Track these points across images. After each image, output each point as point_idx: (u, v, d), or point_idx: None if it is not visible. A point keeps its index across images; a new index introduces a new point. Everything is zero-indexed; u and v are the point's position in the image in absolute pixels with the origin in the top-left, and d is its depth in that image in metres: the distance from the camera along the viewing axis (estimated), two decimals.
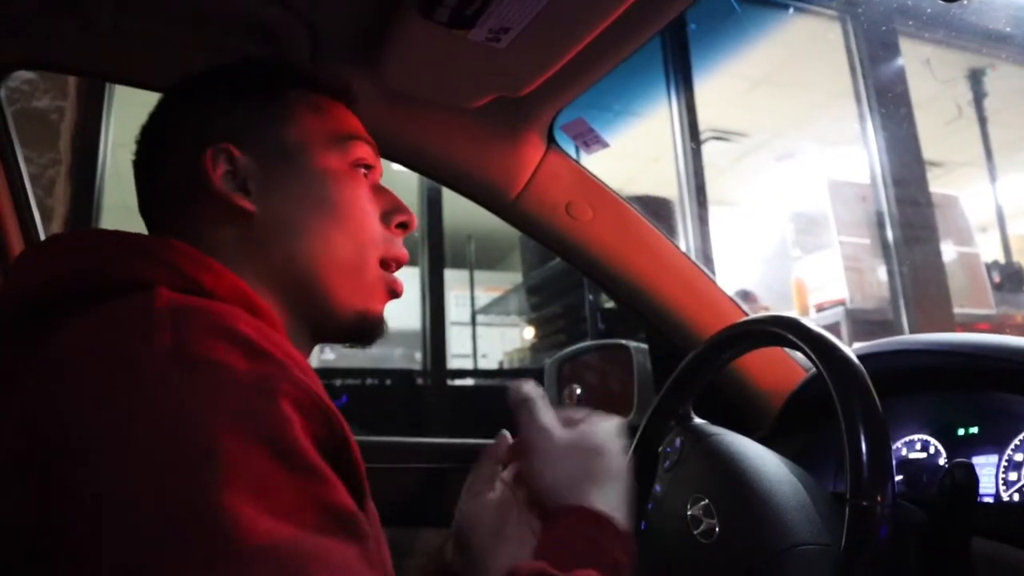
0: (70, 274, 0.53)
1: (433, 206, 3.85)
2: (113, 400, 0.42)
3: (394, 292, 0.71)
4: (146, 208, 0.68)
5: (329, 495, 0.44)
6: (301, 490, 0.42)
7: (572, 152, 1.11)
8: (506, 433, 0.74)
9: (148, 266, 0.54)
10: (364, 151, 0.71)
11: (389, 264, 0.70)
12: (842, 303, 4.12)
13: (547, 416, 0.69)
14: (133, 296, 0.49)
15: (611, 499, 0.65)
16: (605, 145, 1.05)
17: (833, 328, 3.90)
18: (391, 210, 0.71)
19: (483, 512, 0.70)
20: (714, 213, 3.86)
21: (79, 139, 2.47)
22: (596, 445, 0.67)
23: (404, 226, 0.72)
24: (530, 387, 0.70)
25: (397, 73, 0.89)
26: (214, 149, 0.64)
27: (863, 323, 3.97)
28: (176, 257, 0.55)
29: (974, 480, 0.68)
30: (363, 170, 0.70)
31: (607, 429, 0.69)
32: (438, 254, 3.85)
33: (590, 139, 1.05)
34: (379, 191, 0.72)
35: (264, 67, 0.71)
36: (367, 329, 0.69)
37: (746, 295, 4.42)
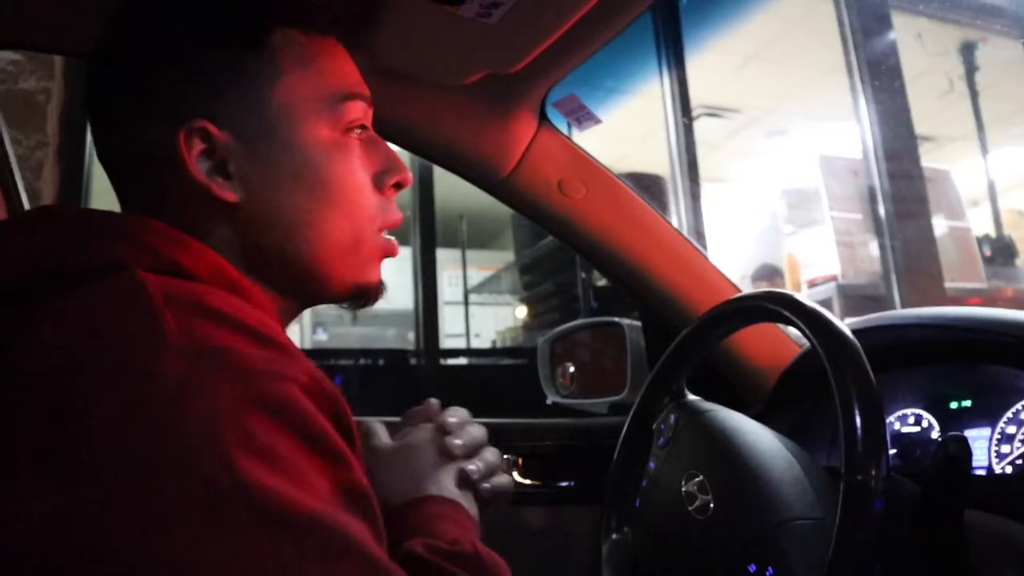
0: (35, 257, 0.49)
1: (425, 185, 3.84)
2: (135, 404, 0.41)
3: (389, 254, 0.67)
4: (120, 192, 0.61)
5: (350, 476, 0.44)
6: (326, 471, 0.43)
7: (564, 129, 1.10)
8: (433, 400, 0.76)
9: (124, 246, 0.50)
10: (358, 109, 0.62)
11: (381, 230, 0.65)
12: (834, 278, 4.14)
13: (378, 437, 0.72)
14: (111, 281, 0.47)
15: (443, 484, 0.67)
16: (597, 122, 1.05)
17: (825, 303, 3.90)
18: (384, 170, 0.64)
19: (388, 447, 0.71)
20: (706, 190, 3.86)
21: (67, 121, 2.44)
22: (410, 445, 0.70)
23: (399, 186, 0.66)
24: (369, 421, 0.73)
25: (386, 49, 0.88)
26: (188, 130, 0.55)
27: (855, 298, 3.99)
28: (150, 236, 0.52)
29: (967, 453, 0.69)
30: (357, 131, 0.63)
31: (418, 431, 0.72)
32: (430, 233, 3.84)
33: (582, 116, 1.04)
34: (370, 147, 0.64)
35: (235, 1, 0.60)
36: (366, 297, 0.66)
37: (773, 271, 4.42)
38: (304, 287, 0.62)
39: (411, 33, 0.84)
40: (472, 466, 0.69)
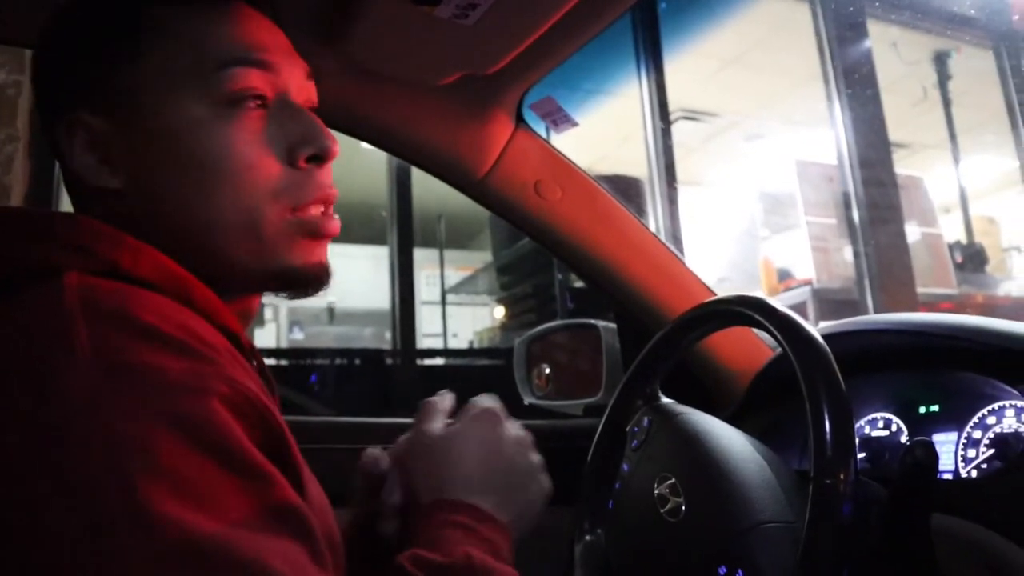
0: None
1: (402, 185, 3.83)
2: (36, 419, 0.39)
3: (320, 234, 0.59)
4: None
5: (273, 494, 0.42)
6: (243, 490, 0.40)
7: (542, 131, 1.10)
8: (447, 392, 0.72)
9: (56, 249, 0.48)
10: (246, 77, 0.56)
11: (307, 207, 0.59)
12: (809, 283, 4.17)
13: (427, 422, 0.67)
14: (41, 287, 0.45)
15: (474, 486, 0.62)
16: (574, 124, 1.05)
17: (800, 308, 3.95)
18: (295, 143, 0.58)
19: (435, 439, 0.66)
20: (684, 193, 3.88)
21: (37, 115, 2.40)
22: (456, 435, 0.65)
23: (317, 159, 0.59)
24: (434, 402, 0.69)
25: (363, 49, 0.88)
26: (68, 120, 0.55)
27: (829, 303, 4.03)
28: (88, 238, 0.49)
29: (934, 458, 0.69)
30: (252, 102, 0.57)
31: (507, 431, 0.67)
32: (407, 233, 3.83)
33: (559, 118, 1.05)
34: (282, 119, 0.58)
35: None
36: (298, 282, 0.60)
37: (787, 274, 4.44)
38: (216, 272, 0.57)
39: (387, 33, 0.84)
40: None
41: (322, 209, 0.60)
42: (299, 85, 0.62)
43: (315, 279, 0.61)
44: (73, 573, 0.36)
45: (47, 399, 0.40)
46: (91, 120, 0.55)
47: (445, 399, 0.71)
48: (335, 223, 0.61)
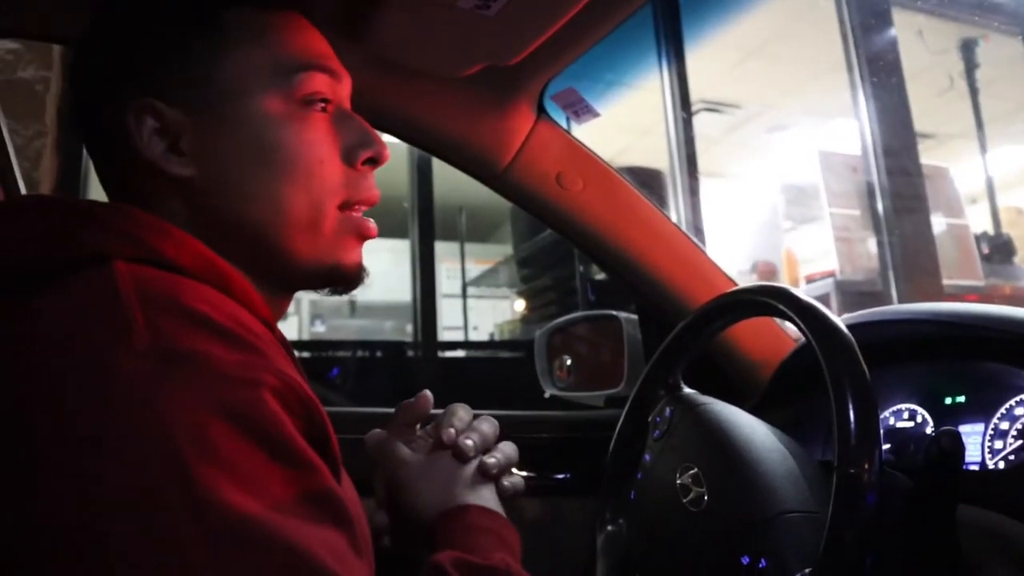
0: (17, 249, 0.49)
1: (424, 178, 3.83)
2: (94, 401, 0.40)
3: (363, 235, 0.64)
4: (99, 176, 0.62)
5: (317, 482, 0.43)
6: (292, 480, 0.42)
7: (563, 122, 1.10)
8: (427, 392, 0.75)
9: (103, 237, 0.49)
10: (318, 81, 0.61)
11: (353, 206, 0.63)
12: (832, 275, 4.14)
13: (399, 449, 0.69)
14: (92, 273, 0.46)
15: (484, 496, 0.66)
16: (596, 115, 1.05)
17: (823, 300, 3.91)
18: (355, 145, 0.63)
19: (415, 460, 0.69)
20: (706, 185, 3.86)
21: (65, 110, 2.43)
22: (437, 456, 0.68)
23: (372, 162, 0.64)
24: (375, 433, 0.72)
25: (385, 42, 0.88)
26: (136, 108, 0.56)
27: (853, 295, 3.99)
28: (131, 225, 0.51)
29: (960, 448, 0.69)
30: (319, 104, 0.62)
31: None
32: (429, 226, 3.84)
33: (581, 109, 1.04)
34: (342, 122, 0.63)
35: None
36: (342, 280, 0.64)
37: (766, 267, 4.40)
38: (269, 267, 0.60)
39: (409, 25, 0.84)
40: (491, 459, 0.68)
41: (363, 210, 0.65)
42: (347, 93, 0.66)
43: (357, 278, 0.65)
44: (128, 554, 0.37)
45: (105, 382, 0.41)
46: (163, 108, 0.57)
47: (420, 401, 0.74)
48: (374, 226, 0.65)
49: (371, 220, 0.65)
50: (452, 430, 0.69)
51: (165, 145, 0.57)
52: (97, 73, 0.59)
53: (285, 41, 0.61)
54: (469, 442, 0.68)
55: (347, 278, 0.64)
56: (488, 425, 0.71)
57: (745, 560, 0.69)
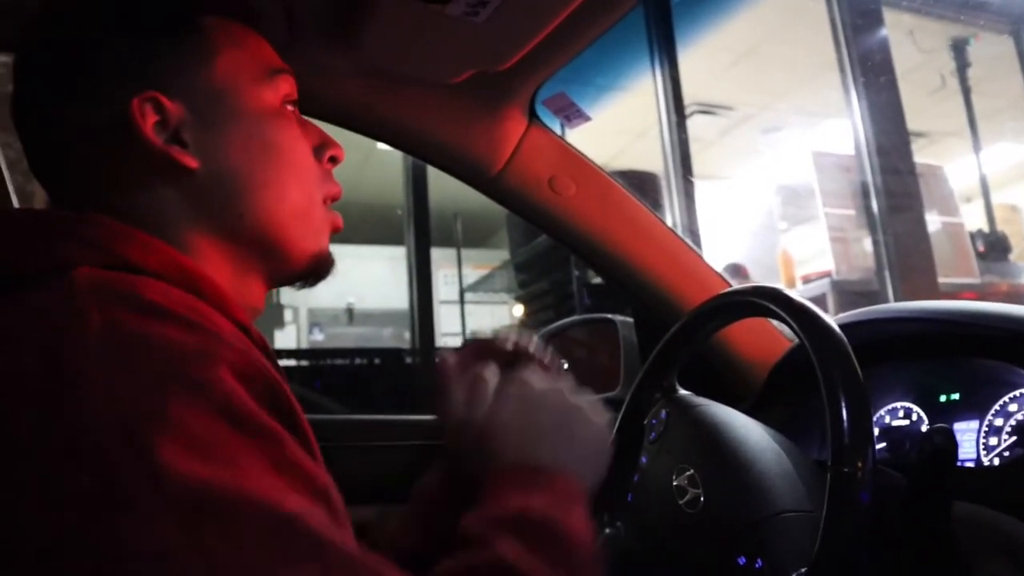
0: None
1: (419, 184, 3.84)
2: (51, 392, 0.41)
3: (336, 227, 0.68)
4: (46, 172, 0.60)
5: (287, 454, 0.43)
6: (256, 449, 0.41)
7: (556, 127, 1.10)
8: (500, 330, 0.72)
9: (72, 247, 0.50)
10: (288, 83, 0.65)
11: (327, 202, 0.67)
12: (828, 275, 4.14)
13: (529, 372, 0.64)
14: (53, 280, 0.47)
15: (583, 461, 0.60)
16: (587, 119, 1.05)
17: (819, 300, 3.92)
18: (320, 145, 0.67)
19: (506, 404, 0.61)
20: (701, 187, 3.87)
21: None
22: (575, 402, 0.63)
23: (335, 160, 0.68)
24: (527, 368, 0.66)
25: (375, 49, 0.88)
26: (140, 98, 0.56)
27: (849, 294, 4.00)
28: (97, 233, 0.52)
29: (953, 444, 0.69)
30: (290, 106, 0.65)
31: (589, 398, 0.64)
32: (425, 232, 3.84)
33: (572, 113, 1.05)
34: (304, 124, 0.67)
35: None
36: (320, 269, 0.66)
37: (736, 269, 4.43)
38: (266, 255, 0.62)
39: (399, 33, 0.85)
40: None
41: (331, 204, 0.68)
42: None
43: (329, 267, 0.67)
44: (96, 538, 0.37)
45: (61, 373, 0.41)
46: (166, 102, 0.57)
47: (460, 354, 0.69)
48: (342, 219, 0.69)
49: (339, 214, 0.69)
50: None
51: (167, 136, 0.58)
52: (90, 61, 0.58)
53: (256, 47, 0.64)
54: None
55: (327, 267, 0.67)
56: None
57: (742, 561, 0.70)
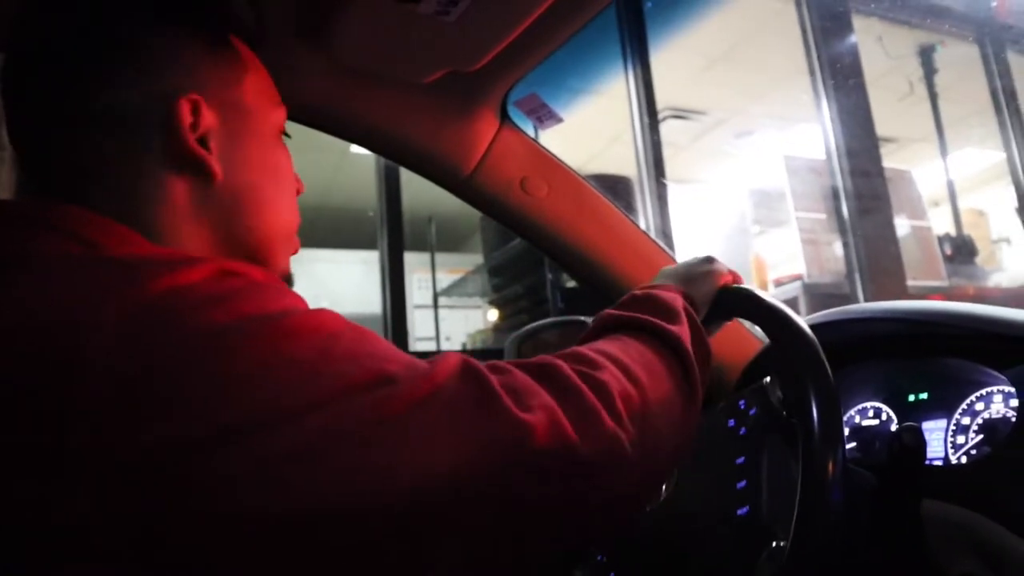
0: None
1: (392, 187, 3.81)
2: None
3: (295, 252, 0.72)
4: (38, 158, 0.58)
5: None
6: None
7: (528, 129, 1.10)
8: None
9: (44, 234, 0.49)
10: (284, 115, 0.70)
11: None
12: (799, 278, 4.18)
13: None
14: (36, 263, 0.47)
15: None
16: (559, 120, 1.05)
17: (791, 303, 3.95)
18: (294, 176, 0.71)
19: None
20: (674, 191, 3.89)
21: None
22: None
23: (299, 192, 0.72)
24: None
25: (347, 48, 0.88)
26: (187, 98, 0.57)
27: (820, 296, 4.04)
28: (75, 223, 0.51)
29: (921, 443, 0.70)
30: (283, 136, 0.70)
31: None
32: (398, 236, 3.82)
33: (543, 114, 1.05)
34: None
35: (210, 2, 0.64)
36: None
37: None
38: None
39: (371, 31, 0.84)
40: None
41: None
42: None
43: (290, 287, 0.69)
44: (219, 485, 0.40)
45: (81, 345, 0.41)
46: (203, 107, 0.59)
47: None
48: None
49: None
50: None
51: (196, 139, 0.58)
52: (131, 54, 0.57)
53: (267, 75, 0.68)
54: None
55: (289, 285, 0.68)
56: None
57: (708, 560, 0.70)
